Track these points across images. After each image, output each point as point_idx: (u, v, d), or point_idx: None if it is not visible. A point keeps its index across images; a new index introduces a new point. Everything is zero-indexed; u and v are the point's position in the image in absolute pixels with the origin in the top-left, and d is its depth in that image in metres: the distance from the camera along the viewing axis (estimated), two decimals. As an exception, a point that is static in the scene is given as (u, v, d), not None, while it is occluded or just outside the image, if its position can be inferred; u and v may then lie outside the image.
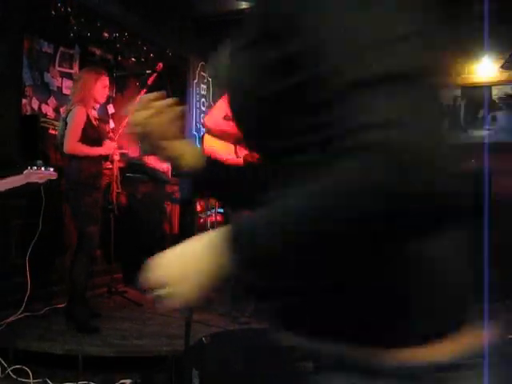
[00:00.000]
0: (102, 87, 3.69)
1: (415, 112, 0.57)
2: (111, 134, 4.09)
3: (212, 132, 3.70)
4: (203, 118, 6.95)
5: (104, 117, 5.70)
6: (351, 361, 0.72)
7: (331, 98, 0.61)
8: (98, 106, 3.82)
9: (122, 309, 4.16)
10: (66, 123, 3.51)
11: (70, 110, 3.53)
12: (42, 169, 2.95)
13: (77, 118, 3.50)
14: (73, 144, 3.47)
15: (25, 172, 2.85)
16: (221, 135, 3.67)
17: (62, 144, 3.54)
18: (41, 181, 2.97)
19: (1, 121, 3.99)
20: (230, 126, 3.71)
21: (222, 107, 3.72)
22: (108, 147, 3.76)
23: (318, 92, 0.64)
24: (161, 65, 4.33)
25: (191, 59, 6.80)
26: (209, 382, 2.46)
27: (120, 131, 4.23)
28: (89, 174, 3.47)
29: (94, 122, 3.66)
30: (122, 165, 5.15)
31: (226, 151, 3.66)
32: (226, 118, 3.70)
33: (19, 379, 2.84)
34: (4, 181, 2.77)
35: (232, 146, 3.67)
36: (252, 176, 0.89)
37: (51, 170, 3.02)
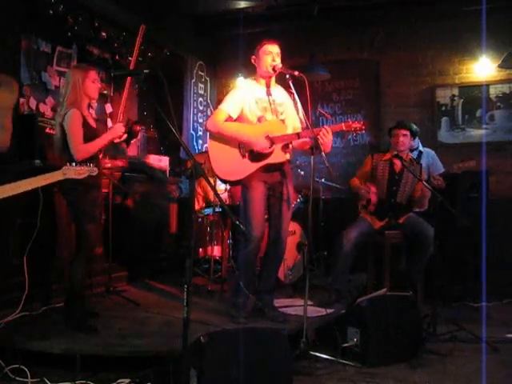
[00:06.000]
0: (90, 82, 3.57)
1: None
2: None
3: (214, 135, 3.69)
4: (201, 117, 6.95)
5: (102, 116, 5.70)
6: None
7: None
8: (94, 102, 3.72)
9: (120, 308, 4.16)
10: (63, 127, 3.46)
11: (65, 113, 3.47)
12: (84, 165, 3.08)
13: (74, 124, 3.44)
14: (80, 149, 3.42)
15: (62, 168, 2.98)
16: (224, 138, 3.66)
17: (58, 147, 3.49)
18: (79, 176, 3.05)
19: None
20: (231, 129, 3.70)
21: (221, 110, 3.72)
22: (115, 129, 3.67)
23: None
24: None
25: (189, 58, 6.80)
26: (207, 382, 2.46)
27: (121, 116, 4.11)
28: None
29: (91, 122, 3.60)
30: (122, 164, 5.16)
31: (230, 153, 3.65)
32: (226, 120, 3.70)
33: (17, 378, 2.84)
34: (44, 176, 2.92)
35: (236, 148, 3.66)
36: None
37: (90, 165, 3.10)
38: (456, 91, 6.25)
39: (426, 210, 4.81)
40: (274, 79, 3.82)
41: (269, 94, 3.79)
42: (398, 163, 4.56)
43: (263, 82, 3.80)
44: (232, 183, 3.98)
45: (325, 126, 3.57)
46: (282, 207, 3.77)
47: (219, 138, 3.68)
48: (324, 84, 6.76)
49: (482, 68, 6.09)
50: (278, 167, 3.75)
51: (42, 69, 5.02)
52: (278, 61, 3.70)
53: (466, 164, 4.13)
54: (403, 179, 4.52)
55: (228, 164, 3.67)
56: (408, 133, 4.57)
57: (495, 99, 6.08)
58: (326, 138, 3.49)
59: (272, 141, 3.63)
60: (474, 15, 5.70)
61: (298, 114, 3.77)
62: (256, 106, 3.72)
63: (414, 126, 4.95)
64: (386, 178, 4.54)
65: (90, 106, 3.76)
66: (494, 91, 6.08)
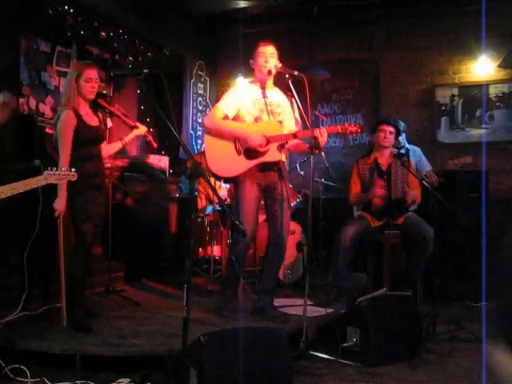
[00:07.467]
0: (83, 81, 3.43)
1: None
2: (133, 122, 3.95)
3: (211, 132, 3.72)
4: (200, 117, 6.95)
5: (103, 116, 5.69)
6: None
7: None
8: (87, 102, 3.56)
9: (119, 308, 4.16)
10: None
11: (59, 115, 3.41)
12: (63, 169, 3.04)
13: (63, 128, 3.37)
14: (65, 162, 3.36)
15: (44, 173, 2.92)
16: (220, 134, 3.69)
17: (55, 148, 3.46)
18: (60, 181, 3.03)
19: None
20: (229, 125, 3.72)
21: (219, 108, 3.74)
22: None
23: None
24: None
25: (188, 58, 6.79)
26: (206, 381, 2.46)
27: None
28: (83, 172, 3.37)
29: (90, 121, 3.53)
30: (122, 164, 5.15)
31: (226, 150, 3.67)
32: (223, 119, 3.72)
33: (17, 378, 2.83)
34: (24, 182, 2.85)
35: (232, 145, 3.68)
36: None
37: (72, 171, 3.06)
38: (456, 91, 6.25)
39: (419, 206, 4.79)
40: (271, 81, 3.83)
41: (264, 96, 3.81)
42: (382, 161, 4.59)
43: (259, 83, 3.83)
44: (226, 179, 4.03)
45: (321, 127, 3.61)
46: (281, 208, 3.78)
47: (216, 134, 3.71)
48: (323, 84, 6.75)
49: (482, 68, 6.08)
50: (273, 167, 3.76)
51: (41, 68, 5.02)
52: (273, 62, 3.69)
53: (462, 160, 4.12)
54: (392, 175, 4.54)
55: (223, 160, 3.70)
56: (394, 130, 4.60)
57: (495, 99, 6.07)
58: (321, 138, 3.53)
59: (268, 140, 3.66)
60: (473, 15, 5.70)
61: (293, 114, 3.82)
62: (254, 107, 3.76)
63: (402, 124, 4.97)
64: (377, 180, 4.56)
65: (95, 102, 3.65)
66: (493, 91, 6.08)
